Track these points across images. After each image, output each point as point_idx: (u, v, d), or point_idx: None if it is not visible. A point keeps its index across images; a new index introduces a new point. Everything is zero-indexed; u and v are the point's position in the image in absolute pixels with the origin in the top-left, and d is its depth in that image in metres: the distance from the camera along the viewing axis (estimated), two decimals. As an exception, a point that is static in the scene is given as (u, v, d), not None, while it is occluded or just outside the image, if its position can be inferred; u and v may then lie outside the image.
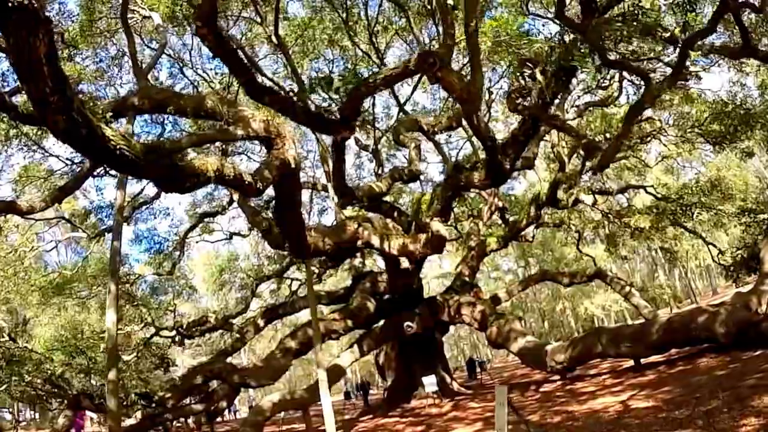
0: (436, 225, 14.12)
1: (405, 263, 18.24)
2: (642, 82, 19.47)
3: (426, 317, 19.93)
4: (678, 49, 9.73)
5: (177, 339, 21.90)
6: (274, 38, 15.26)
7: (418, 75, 12.61)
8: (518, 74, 8.79)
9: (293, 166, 12.79)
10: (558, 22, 6.61)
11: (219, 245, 28.56)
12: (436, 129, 13.54)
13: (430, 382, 18.28)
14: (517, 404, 15.06)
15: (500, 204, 26.83)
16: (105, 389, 18.47)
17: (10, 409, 27.57)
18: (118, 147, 6.59)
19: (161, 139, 17.18)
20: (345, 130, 8.99)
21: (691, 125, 18.72)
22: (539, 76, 11.10)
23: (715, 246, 21.93)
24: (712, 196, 21.40)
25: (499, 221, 27.38)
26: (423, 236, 14.31)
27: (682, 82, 14.48)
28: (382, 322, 20.19)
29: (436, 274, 42.91)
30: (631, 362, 14.55)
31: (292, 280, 28.14)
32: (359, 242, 14.68)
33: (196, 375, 17.15)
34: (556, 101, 19.12)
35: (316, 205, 28.05)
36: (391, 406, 20.44)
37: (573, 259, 33.77)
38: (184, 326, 21.91)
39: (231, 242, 25.38)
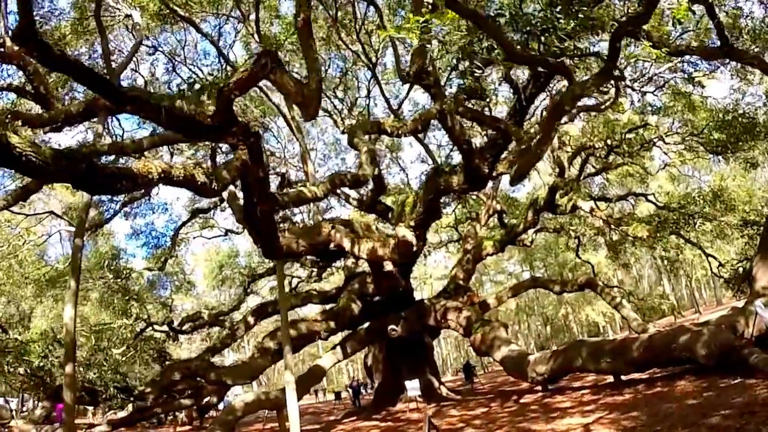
0: (402, 230, 13.35)
1: (389, 266, 17.52)
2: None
3: (412, 321, 19.20)
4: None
5: (170, 334, 21.61)
6: (256, 36, 14.71)
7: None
8: (469, 72, 7.97)
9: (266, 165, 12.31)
10: (450, 9, 5.78)
11: (221, 242, 28.45)
12: (400, 132, 12.77)
13: (412, 386, 17.66)
14: (491, 416, 14.28)
15: (499, 207, 25.84)
16: (92, 382, 18.60)
17: (15, 399, 27.89)
18: (24, 154, 6.50)
19: (150, 136, 16.83)
20: (223, 136, 8.31)
21: (691, 133, 17.41)
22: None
23: (714, 258, 20.50)
24: (715, 206, 20.00)
25: (498, 224, 26.43)
26: (393, 241, 13.56)
27: (613, 82, 13.13)
28: (368, 324, 19.54)
29: (439, 275, 41.98)
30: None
31: (292, 277, 27.68)
32: (332, 245, 14.03)
33: (175, 371, 16.77)
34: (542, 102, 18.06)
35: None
36: (378, 408, 19.87)
37: (576, 265, 32.35)
38: (177, 321, 21.61)
39: (230, 239, 25.03)
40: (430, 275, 41.37)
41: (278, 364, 21.87)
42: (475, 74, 8.17)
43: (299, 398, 17.25)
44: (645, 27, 8.08)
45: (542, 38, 6.78)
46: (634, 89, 19.02)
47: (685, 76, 18.82)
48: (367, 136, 13.68)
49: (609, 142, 21.40)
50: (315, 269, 24.16)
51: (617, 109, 22.45)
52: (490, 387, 22.48)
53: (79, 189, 9.89)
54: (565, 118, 17.51)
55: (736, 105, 17.55)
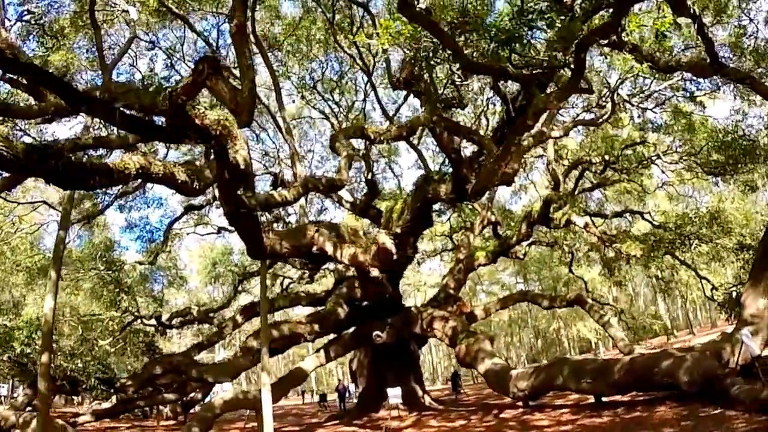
0: (383, 237, 12.93)
1: (375, 272, 17.09)
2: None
3: (398, 328, 18.68)
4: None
5: (158, 328, 21.29)
6: (251, 36, 14.35)
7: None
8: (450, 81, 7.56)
9: (242, 167, 11.93)
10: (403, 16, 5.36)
11: (216, 239, 28.05)
12: (383, 138, 12.36)
13: (394, 394, 17.25)
14: (469, 429, 13.78)
15: (493, 218, 25.35)
16: (73, 371, 18.34)
17: (6, 385, 27.65)
18: (-7, 148, 6.23)
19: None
20: (179, 139, 7.98)
21: (688, 153, 16.84)
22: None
23: (708, 281, 19.82)
24: (711, 228, 19.37)
25: (493, 235, 25.91)
26: (374, 247, 13.13)
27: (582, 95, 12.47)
28: (353, 329, 19.09)
29: (434, 283, 41.36)
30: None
31: (284, 278, 27.29)
32: (314, 248, 13.63)
33: (156, 366, 16.45)
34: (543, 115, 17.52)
35: (315, 205, 27.05)
36: (360, 414, 19.46)
37: (570, 279, 31.65)
38: (168, 316, 21.30)
39: (224, 236, 24.71)
40: (424, 282, 40.76)
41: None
42: (456, 83, 7.78)
43: (279, 399, 16.96)
44: (633, 41, 7.56)
45: (509, 48, 6.37)
46: (632, 104, 18.47)
47: (687, 94, 18.30)
48: (349, 141, 13.30)
49: (607, 157, 20.86)
50: (306, 271, 23.74)
51: (617, 124, 21.93)
52: (475, 398, 21.93)
53: (51, 183, 9.63)
54: (558, 132, 17.00)
55: (735, 126, 16.94)
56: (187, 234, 23.60)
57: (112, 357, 23.46)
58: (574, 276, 25.61)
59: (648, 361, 11.32)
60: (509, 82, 14.30)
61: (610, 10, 7.37)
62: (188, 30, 17.36)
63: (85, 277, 20.35)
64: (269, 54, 19.60)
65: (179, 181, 10.52)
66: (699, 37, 9.57)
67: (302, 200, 16.26)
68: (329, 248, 13.52)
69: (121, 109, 6.87)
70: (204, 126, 7.72)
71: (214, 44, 18.58)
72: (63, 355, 17.41)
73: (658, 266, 22.01)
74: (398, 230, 16.39)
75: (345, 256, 13.37)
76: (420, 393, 19.76)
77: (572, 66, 7.38)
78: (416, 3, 6.35)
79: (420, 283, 40.38)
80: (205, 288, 30.49)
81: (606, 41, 7.33)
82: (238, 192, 9.54)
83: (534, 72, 7.43)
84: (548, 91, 10.64)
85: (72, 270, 19.79)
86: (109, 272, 19.64)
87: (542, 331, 47.77)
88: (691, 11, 7.90)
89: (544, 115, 16.90)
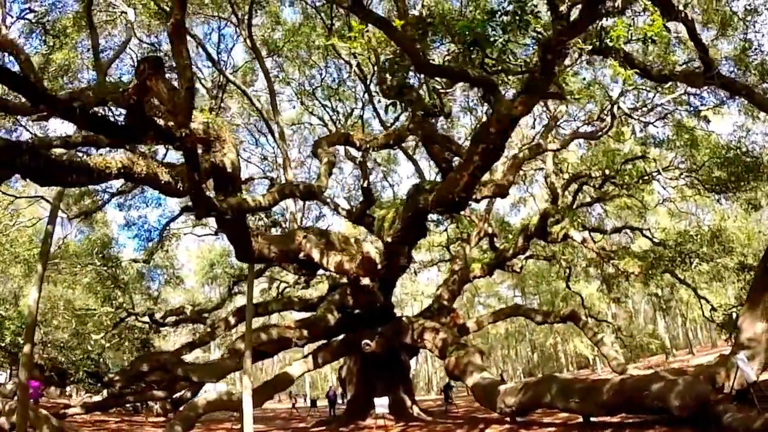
0: (367, 246, 12.48)
1: (365, 280, 16.61)
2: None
3: (387, 337, 18.10)
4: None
5: (151, 326, 20.99)
6: (248, 41, 14.15)
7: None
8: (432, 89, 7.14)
9: (229, 170, 11.59)
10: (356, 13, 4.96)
11: (215, 240, 27.70)
12: (369, 145, 11.92)
13: (380, 403, 16.74)
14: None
15: (490, 230, 24.78)
16: (62, 363, 18.08)
17: (4, 373, 27.50)
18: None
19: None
20: (139, 138, 7.68)
21: (689, 169, 16.20)
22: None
23: (707, 301, 19.01)
24: (713, 247, 18.62)
25: (488, 247, 25.30)
26: (359, 256, 12.67)
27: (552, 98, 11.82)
28: (342, 337, 18.59)
29: (431, 293, 40.58)
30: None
31: (280, 282, 26.88)
32: (301, 254, 13.21)
33: (144, 362, 16.17)
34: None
35: (312, 211, 26.68)
36: (348, 421, 18.95)
37: (568, 294, 30.80)
38: (159, 314, 21.00)
39: (221, 238, 24.33)
40: (422, 292, 40.06)
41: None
42: (437, 91, 7.36)
43: (263, 403, 16.50)
44: (619, 46, 7.02)
45: (477, 50, 5.95)
46: (633, 118, 17.89)
47: (691, 108, 17.71)
48: (331, 148, 12.91)
49: (607, 171, 20.24)
50: (302, 276, 23.30)
51: (619, 138, 21.30)
52: (464, 411, 21.21)
53: (26, 179, 9.39)
54: (555, 145, 16.46)
55: (738, 142, 16.21)
56: (185, 234, 23.35)
57: (108, 352, 23.24)
58: (572, 291, 24.85)
59: (638, 383, 10.66)
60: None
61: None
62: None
63: (82, 272, 20.16)
64: (271, 59, 19.47)
65: (162, 182, 10.20)
66: (693, 43, 8.97)
67: (292, 206, 15.91)
68: (316, 255, 13.11)
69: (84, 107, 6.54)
70: (166, 127, 7.41)
71: (215, 47, 18.48)
72: (54, 348, 17.25)
73: (657, 284, 21.23)
74: (389, 239, 15.92)
75: (331, 264, 12.95)
76: (409, 403, 19.16)
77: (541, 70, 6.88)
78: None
79: (417, 292, 39.71)
80: (201, 288, 30.18)
81: (587, 46, 6.76)
82: (210, 195, 9.18)
83: (482, 75, 6.99)
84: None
85: (69, 264, 19.63)
86: (105, 268, 19.42)
87: (539, 346, 46.66)
88: (682, 15, 7.40)
89: (537, 125, 16.29)
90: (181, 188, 10.62)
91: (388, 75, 7.52)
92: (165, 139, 7.97)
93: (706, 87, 13.11)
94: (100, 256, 19.92)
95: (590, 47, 6.48)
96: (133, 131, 7.16)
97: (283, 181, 14.92)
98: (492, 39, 5.63)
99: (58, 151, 10.69)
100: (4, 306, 19.05)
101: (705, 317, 19.39)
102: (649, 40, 5.61)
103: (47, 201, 18.49)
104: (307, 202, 25.66)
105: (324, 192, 13.08)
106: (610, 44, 5.96)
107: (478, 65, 6.49)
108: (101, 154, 8.75)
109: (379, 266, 13.02)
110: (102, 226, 23.26)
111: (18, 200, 19.24)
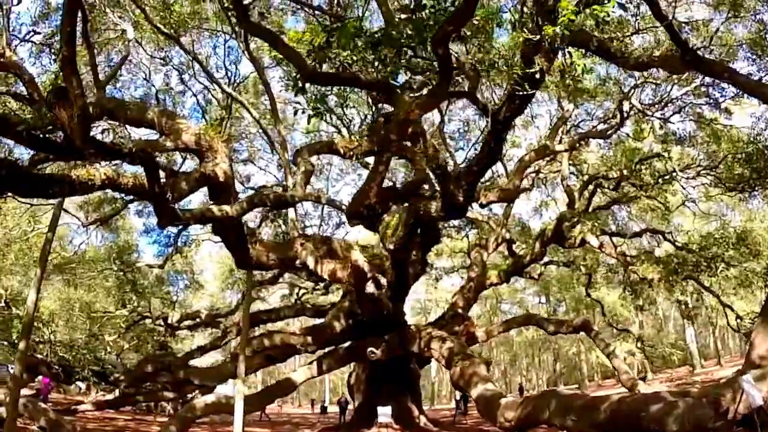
0: (356, 254, 12.21)
1: (370, 287, 16.37)
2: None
3: (394, 346, 17.79)
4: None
5: (166, 329, 21.59)
6: (246, 54, 14.25)
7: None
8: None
9: (222, 179, 11.65)
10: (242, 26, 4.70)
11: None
12: (353, 152, 11.66)
13: (384, 412, 16.61)
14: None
15: (508, 236, 23.99)
16: (74, 361, 18.79)
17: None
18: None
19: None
20: (83, 157, 7.73)
21: (708, 167, 15.04)
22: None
23: (732, 309, 17.60)
24: (739, 250, 17.25)
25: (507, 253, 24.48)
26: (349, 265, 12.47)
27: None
28: (348, 344, 18.41)
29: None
30: None
31: (299, 288, 26.97)
32: (297, 261, 13.16)
33: (148, 364, 16.60)
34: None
35: (333, 218, 26.49)
36: (354, 429, 18.75)
37: (591, 302, 29.36)
38: (174, 318, 21.56)
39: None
40: (445, 299, 39.37)
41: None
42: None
43: (263, 408, 16.59)
44: (600, 36, 6.39)
45: (377, 52, 5.64)
46: (648, 114, 16.81)
47: (711, 101, 16.52)
48: (314, 157, 12.76)
49: (625, 172, 19.15)
50: (316, 282, 23.31)
51: (638, 136, 20.12)
52: (473, 423, 20.58)
53: (8, 193, 9.72)
54: (563, 146, 15.70)
55: (758, 135, 14.78)
56: (202, 240, 23.84)
57: (129, 353, 24.04)
58: (592, 299, 23.66)
59: (636, 404, 9.89)
60: (492, 94, 13.35)
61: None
62: (199, 47, 17.59)
63: (101, 276, 20.97)
64: (278, 68, 19.58)
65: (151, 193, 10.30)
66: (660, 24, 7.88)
67: (291, 212, 15.89)
68: (311, 262, 13.03)
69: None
70: (111, 145, 7.54)
71: (222, 60, 18.79)
72: (63, 346, 18.04)
73: (682, 291, 19.91)
74: (391, 246, 15.66)
75: (325, 272, 12.84)
76: (416, 413, 18.76)
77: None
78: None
79: (441, 299, 39.03)
80: (221, 293, 30.78)
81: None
82: (174, 206, 9.24)
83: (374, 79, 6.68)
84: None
85: (87, 269, 20.47)
86: (123, 273, 20.14)
87: (564, 355, 44.77)
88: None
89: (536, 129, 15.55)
90: (169, 197, 10.75)
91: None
92: (111, 155, 8.09)
93: (690, 71, 11.97)
94: (118, 262, 20.64)
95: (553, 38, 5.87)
96: (73, 150, 7.29)
97: (289, 189, 14.91)
98: (393, 39, 5.36)
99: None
100: (23, 307, 20.05)
101: (730, 326, 17.97)
102: (602, 21, 5.11)
103: (66, 211, 19.33)
104: (327, 209, 25.62)
105: (297, 201, 12.94)
106: (561, 31, 5.42)
107: (381, 66, 6.24)
108: (85, 166, 8.83)
109: (369, 275, 12.76)
110: (124, 233, 24.11)
111: (35, 207, 20.06)
